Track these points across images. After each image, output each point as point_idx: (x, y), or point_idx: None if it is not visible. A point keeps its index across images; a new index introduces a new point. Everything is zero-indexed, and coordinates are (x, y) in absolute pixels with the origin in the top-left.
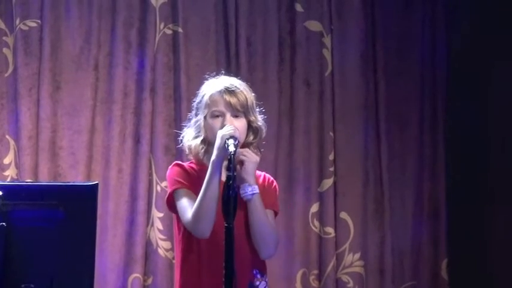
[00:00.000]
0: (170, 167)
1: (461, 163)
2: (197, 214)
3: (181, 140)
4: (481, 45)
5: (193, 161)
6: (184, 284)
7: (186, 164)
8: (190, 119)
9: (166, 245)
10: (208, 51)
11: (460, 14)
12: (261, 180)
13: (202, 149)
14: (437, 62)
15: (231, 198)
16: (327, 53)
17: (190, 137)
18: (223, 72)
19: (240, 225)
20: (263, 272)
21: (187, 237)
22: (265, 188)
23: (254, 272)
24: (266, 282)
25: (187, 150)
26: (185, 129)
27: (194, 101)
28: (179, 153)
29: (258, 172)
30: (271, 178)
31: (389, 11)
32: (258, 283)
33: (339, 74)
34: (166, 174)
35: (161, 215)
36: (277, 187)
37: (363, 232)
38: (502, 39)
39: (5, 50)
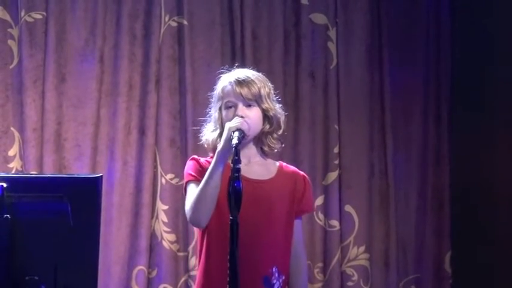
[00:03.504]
0: (187, 161)
1: (465, 155)
2: (195, 202)
3: (202, 136)
4: (487, 36)
5: (212, 155)
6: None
7: (203, 159)
8: (209, 114)
9: (170, 237)
10: (214, 44)
11: (465, 7)
12: (299, 181)
13: (219, 142)
14: (443, 54)
15: (235, 191)
16: (332, 46)
17: (208, 132)
18: (237, 64)
19: (268, 221)
20: (282, 272)
21: (210, 231)
22: (305, 191)
23: (274, 269)
24: (280, 283)
25: (205, 145)
26: (205, 124)
27: (210, 95)
28: (184, 145)
29: (292, 168)
30: (304, 175)
31: (394, 3)
32: (274, 281)
33: (344, 67)
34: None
35: (166, 207)
36: (310, 184)
37: (367, 225)
38: (507, 30)
39: (10, 41)
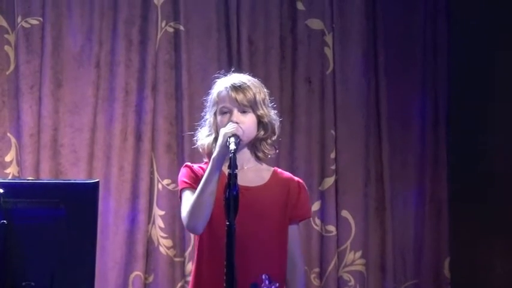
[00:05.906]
0: (181, 168)
1: (463, 161)
2: (192, 209)
3: (196, 140)
4: (483, 42)
5: (206, 161)
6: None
7: (196, 165)
8: (204, 119)
9: (167, 243)
10: (210, 49)
11: (462, 13)
12: (293, 187)
13: (214, 147)
14: (439, 59)
15: (232, 197)
16: (328, 51)
17: (203, 136)
18: (233, 69)
19: (257, 228)
20: (275, 279)
21: (202, 237)
22: (300, 197)
23: (263, 276)
24: None
25: (200, 150)
26: (199, 128)
27: (206, 100)
28: (180, 151)
29: (287, 174)
30: (299, 181)
31: (391, 8)
32: None
33: (340, 72)
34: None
35: (162, 213)
36: (306, 189)
37: (364, 230)
38: (504, 37)
39: (6, 47)
